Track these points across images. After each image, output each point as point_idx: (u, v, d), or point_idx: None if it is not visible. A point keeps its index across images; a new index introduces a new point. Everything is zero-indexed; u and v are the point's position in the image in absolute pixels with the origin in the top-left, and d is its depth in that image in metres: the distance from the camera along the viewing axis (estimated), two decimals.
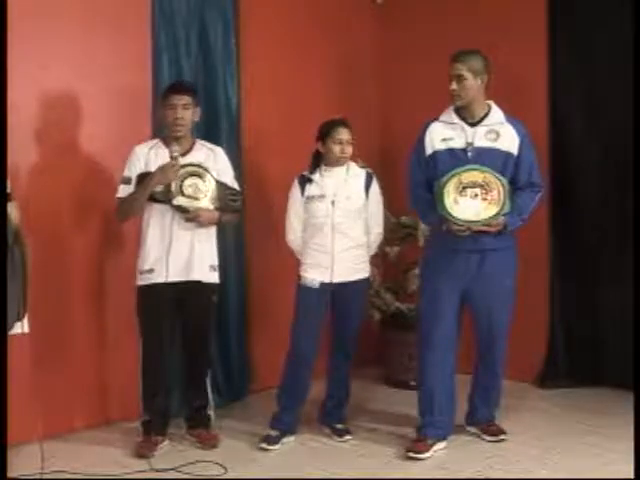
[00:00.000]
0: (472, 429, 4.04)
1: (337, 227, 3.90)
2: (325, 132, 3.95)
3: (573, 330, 4.91)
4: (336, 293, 3.95)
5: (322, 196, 3.93)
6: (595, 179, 4.78)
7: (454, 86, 3.72)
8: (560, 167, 4.84)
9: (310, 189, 3.97)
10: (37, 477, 3.38)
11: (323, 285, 3.92)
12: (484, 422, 4.01)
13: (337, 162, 3.96)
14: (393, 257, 5.01)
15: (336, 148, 3.92)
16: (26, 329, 3.20)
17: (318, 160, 4.00)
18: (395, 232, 4.98)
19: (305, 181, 3.99)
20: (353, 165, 4.03)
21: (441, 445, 3.85)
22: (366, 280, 4.05)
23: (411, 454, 3.75)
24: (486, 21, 5.02)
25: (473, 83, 3.72)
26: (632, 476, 3.10)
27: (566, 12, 4.80)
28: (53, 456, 3.60)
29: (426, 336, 3.87)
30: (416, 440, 3.84)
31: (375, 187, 4.03)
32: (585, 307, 4.86)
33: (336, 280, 3.92)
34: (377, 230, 4.06)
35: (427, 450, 3.77)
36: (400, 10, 5.52)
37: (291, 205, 4.04)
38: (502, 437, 3.95)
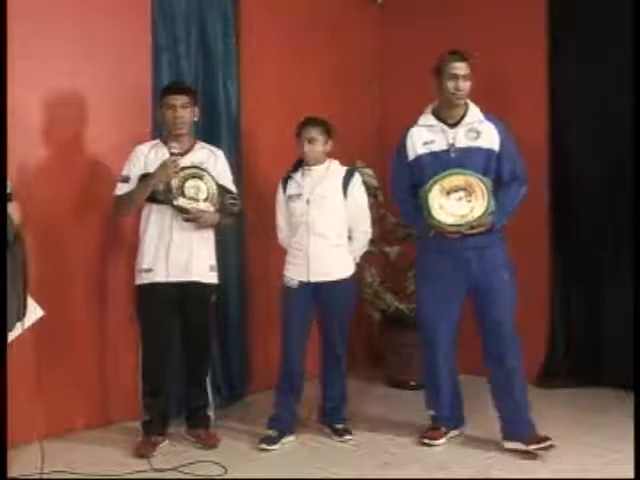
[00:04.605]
0: (512, 445, 3.75)
1: (312, 226, 3.91)
2: (297, 132, 3.97)
3: (573, 330, 4.91)
4: (317, 293, 3.94)
5: (299, 195, 3.95)
6: (595, 180, 4.78)
7: (462, 85, 3.72)
8: (560, 168, 4.84)
9: (290, 188, 4.00)
10: (37, 477, 3.37)
11: (302, 284, 3.93)
12: (525, 435, 3.73)
13: (310, 161, 3.96)
14: (393, 257, 5.01)
15: (301, 147, 3.94)
16: (33, 319, 3.21)
17: (301, 160, 4.02)
18: (395, 232, 4.99)
19: (287, 180, 4.02)
20: (335, 164, 4.03)
21: (454, 433, 3.95)
22: (349, 280, 4.00)
23: (426, 441, 3.86)
24: (486, 21, 5.03)
25: (470, 82, 3.76)
26: (632, 476, 3.10)
27: (566, 12, 4.80)
28: (53, 456, 3.59)
29: (429, 338, 3.91)
30: (431, 428, 3.93)
31: (356, 185, 4.01)
32: (585, 307, 4.86)
33: (313, 279, 3.91)
34: (362, 228, 4.04)
35: (441, 437, 3.88)
36: (400, 10, 5.53)
37: (277, 204, 4.08)
38: (549, 443, 3.67)
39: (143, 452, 3.76)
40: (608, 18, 4.65)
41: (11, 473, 3.33)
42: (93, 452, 3.85)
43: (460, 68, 3.73)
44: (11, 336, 3.12)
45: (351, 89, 5.40)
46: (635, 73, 4.43)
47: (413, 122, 3.89)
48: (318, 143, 3.93)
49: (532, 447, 3.69)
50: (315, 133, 3.92)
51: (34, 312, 3.22)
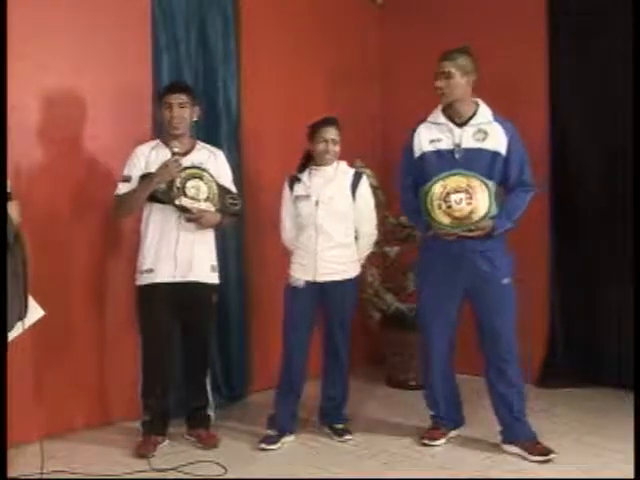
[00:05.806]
0: (512, 448, 3.75)
1: (320, 227, 3.90)
2: (312, 131, 3.95)
3: (573, 330, 4.91)
4: (322, 293, 3.94)
5: (307, 196, 3.94)
6: (595, 179, 4.78)
7: (440, 83, 3.70)
8: (560, 167, 4.84)
9: (297, 189, 3.98)
10: (37, 477, 3.37)
11: (308, 284, 3.92)
12: (524, 439, 3.74)
13: (323, 161, 3.95)
14: (393, 257, 5.01)
15: (320, 147, 3.92)
16: (34, 318, 3.21)
17: (307, 160, 4.01)
18: (395, 232, 4.99)
19: (294, 180, 4.01)
20: (343, 165, 4.02)
21: (454, 433, 3.96)
22: (353, 280, 4.01)
23: (426, 441, 3.87)
24: (486, 21, 5.03)
25: (460, 81, 3.69)
26: (632, 476, 3.10)
27: (566, 12, 4.80)
28: (53, 456, 3.60)
29: (426, 338, 3.91)
30: (431, 429, 3.95)
31: (364, 187, 4.00)
32: (585, 307, 4.86)
33: (320, 279, 3.91)
34: (368, 230, 4.04)
35: (441, 437, 3.90)
36: (400, 10, 5.53)
37: (282, 204, 4.06)
38: (552, 456, 3.65)
39: (143, 452, 3.76)
40: (609, 16, 4.63)
41: (11, 473, 3.33)
42: (93, 452, 3.85)
43: (439, 66, 3.71)
44: (11, 336, 3.12)
45: (351, 89, 5.40)
46: (635, 72, 4.43)
47: (423, 119, 3.86)
48: (336, 144, 3.93)
49: (535, 458, 3.65)
50: (335, 134, 3.93)
51: (35, 312, 3.22)
